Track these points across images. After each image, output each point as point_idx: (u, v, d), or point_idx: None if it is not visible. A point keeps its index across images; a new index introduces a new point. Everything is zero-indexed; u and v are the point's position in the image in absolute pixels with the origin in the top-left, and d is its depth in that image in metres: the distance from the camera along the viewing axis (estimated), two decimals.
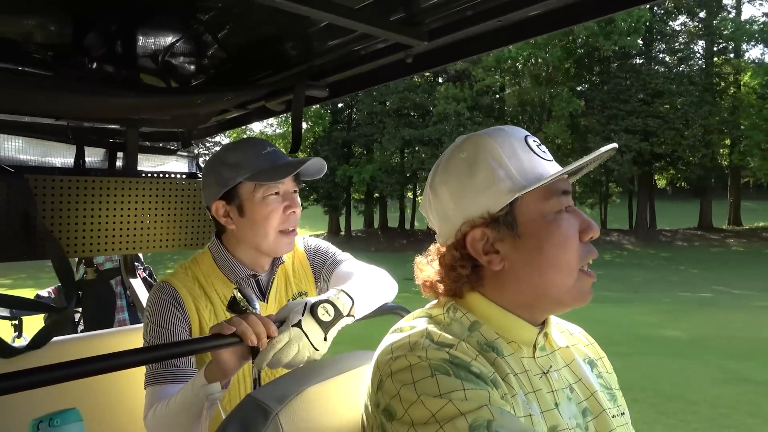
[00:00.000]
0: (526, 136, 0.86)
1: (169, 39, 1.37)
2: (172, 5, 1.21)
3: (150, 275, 3.05)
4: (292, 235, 1.39)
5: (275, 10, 1.18)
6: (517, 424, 0.68)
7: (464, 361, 0.73)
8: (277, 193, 1.34)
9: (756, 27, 22.57)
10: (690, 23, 24.17)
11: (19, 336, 2.90)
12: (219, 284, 1.38)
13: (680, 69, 24.23)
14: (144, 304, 2.07)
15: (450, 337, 0.79)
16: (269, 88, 1.52)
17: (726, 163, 25.62)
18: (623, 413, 0.90)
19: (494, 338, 0.82)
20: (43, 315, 3.25)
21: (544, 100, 20.70)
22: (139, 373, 1.30)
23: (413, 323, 0.85)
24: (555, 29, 1.03)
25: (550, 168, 0.84)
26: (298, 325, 1.03)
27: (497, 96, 21.89)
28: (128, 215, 1.80)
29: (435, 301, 0.90)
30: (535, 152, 0.84)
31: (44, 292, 3.20)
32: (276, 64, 1.51)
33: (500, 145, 0.83)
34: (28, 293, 3.62)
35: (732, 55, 24.30)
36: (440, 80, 23.79)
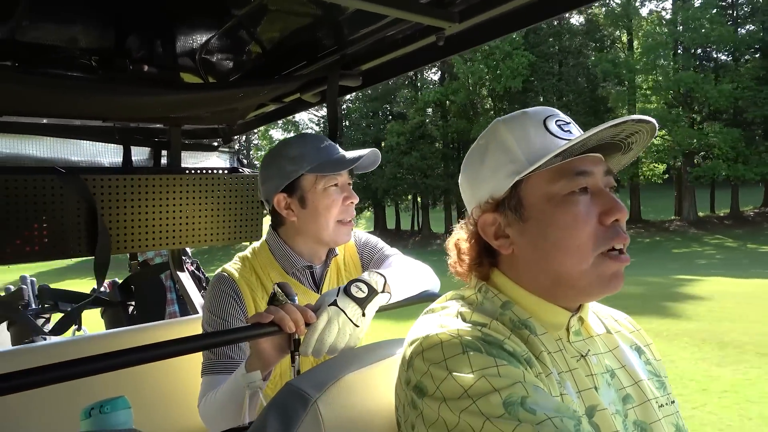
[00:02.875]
0: (547, 117, 0.82)
1: (205, 36, 1.39)
2: (206, 2, 1.23)
3: (197, 268, 3.14)
4: (350, 225, 1.42)
5: (307, 0, 1.18)
6: (552, 401, 0.66)
7: (497, 339, 0.72)
8: (336, 185, 1.38)
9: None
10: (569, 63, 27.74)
11: (79, 329, 3.06)
12: (275, 275, 1.41)
13: (557, 101, 26.42)
14: (192, 296, 2.14)
15: (482, 316, 0.78)
16: (304, 80, 1.53)
17: None
18: (673, 402, 0.86)
19: (527, 317, 0.80)
20: (99, 309, 3.42)
21: (465, 129, 26.20)
22: (185, 363, 1.35)
23: (445, 304, 0.84)
24: (586, 3, 0.98)
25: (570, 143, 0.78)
26: (334, 303, 1.05)
27: (428, 128, 27.62)
28: (174, 211, 1.86)
29: (468, 282, 0.89)
30: (551, 132, 0.80)
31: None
32: (309, 54, 1.51)
33: (511, 129, 0.81)
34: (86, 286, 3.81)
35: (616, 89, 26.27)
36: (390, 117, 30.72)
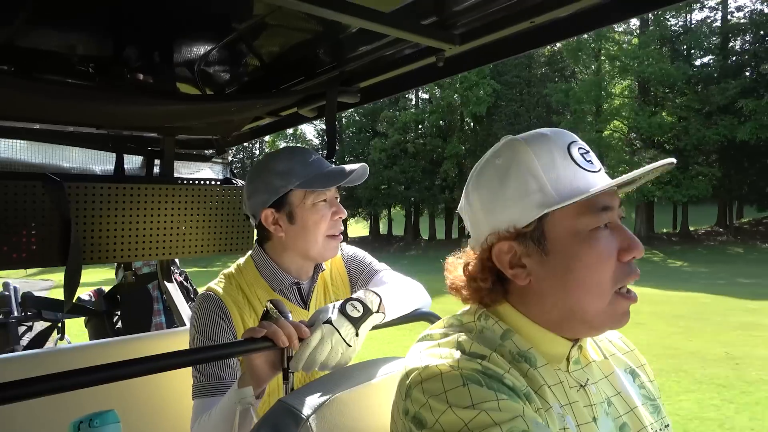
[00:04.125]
0: (570, 144, 0.80)
1: (204, 48, 1.40)
2: (206, 16, 1.24)
3: (186, 279, 3.11)
4: (338, 239, 1.42)
5: (307, 17, 1.19)
6: None
7: (497, 373, 0.71)
8: (324, 200, 1.37)
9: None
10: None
11: (62, 338, 3.00)
12: (262, 292, 1.38)
13: (517, 126, 28.67)
14: (180, 307, 2.12)
15: (482, 347, 0.76)
16: (301, 95, 1.54)
17: None
18: (667, 425, 0.86)
19: (527, 348, 0.79)
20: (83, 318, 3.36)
21: (440, 147, 30.01)
22: (175, 376, 1.32)
23: (444, 331, 0.83)
24: (587, 30, 1.01)
25: (593, 180, 0.77)
26: (329, 322, 1.04)
27: (406, 146, 30.78)
28: (165, 221, 1.84)
29: (467, 308, 0.87)
30: (576, 162, 0.78)
31: (84, 296, 3.30)
32: (308, 70, 1.52)
33: (537, 154, 0.78)
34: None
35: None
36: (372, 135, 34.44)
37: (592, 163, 0.79)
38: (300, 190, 1.34)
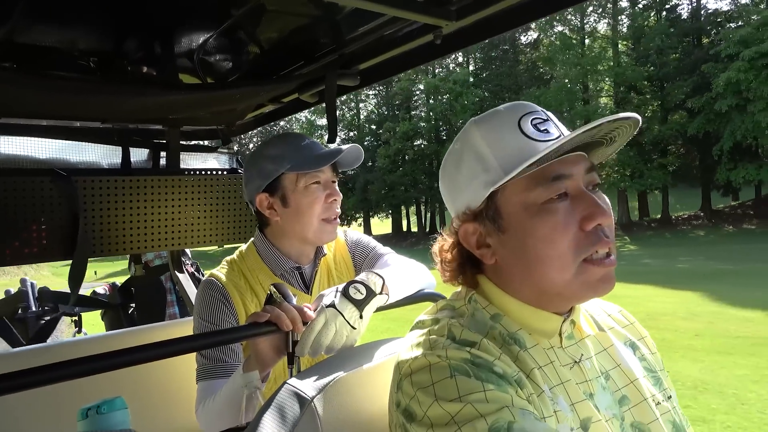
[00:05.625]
0: (523, 116, 0.77)
1: (203, 37, 1.39)
2: (203, 2, 1.23)
3: (197, 270, 3.14)
4: (335, 223, 1.41)
5: None
6: (540, 426, 0.65)
7: (486, 361, 0.70)
8: (318, 182, 1.37)
9: None
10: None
11: (79, 331, 3.06)
12: (264, 277, 1.39)
13: None
14: (192, 297, 2.14)
15: (473, 333, 0.75)
16: (302, 80, 1.53)
17: None
18: (669, 397, 0.84)
19: (515, 329, 0.78)
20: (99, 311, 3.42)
21: (436, 151, 32.88)
22: (183, 364, 1.34)
23: (436, 316, 0.82)
24: (580, 1, 0.98)
25: (543, 149, 0.71)
26: (332, 305, 1.04)
27: (407, 152, 34.72)
28: (173, 212, 1.85)
29: (458, 290, 0.87)
30: (525, 134, 0.75)
31: (100, 289, 3.36)
32: (307, 54, 1.51)
33: (484, 133, 0.77)
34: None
35: None
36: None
37: (547, 132, 0.76)
38: (292, 173, 1.36)
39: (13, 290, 3.23)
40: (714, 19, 27.82)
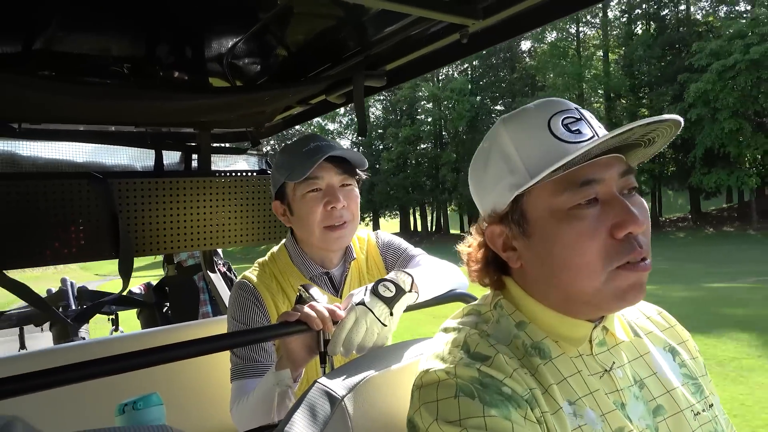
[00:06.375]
0: (554, 115, 0.72)
1: (232, 41, 1.42)
2: (232, 7, 1.25)
3: (229, 269, 3.19)
4: (340, 230, 1.36)
5: (330, 1, 1.19)
6: None
7: (495, 380, 0.68)
8: (316, 190, 1.34)
9: None
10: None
11: (116, 329, 3.14)
12: (295, 280, 1.40)
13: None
14: (224, 296, 2.18)
15: (489, 346, 0.73)
16: (329, 81, 1.54)
17: None
18: (711, 405, 0.80)
19: (542, 338, 0.75)
20: (135, 310, 3.51)
21: (436, 155, 35.10)
22: (216, 361, 1.37)
23: (461, 322, 0.81)
24: None
25: (573, 152, 0.66)
26: (362, 303, 1.04)
27: (408, 156, 36.94)
28: (205, 213, 1.89)
29: (487, 293, 0.85)
30: (554, 134, 0.71)
31: (136, 289, 3.45)
32: (334, 56, 1.52)
33: (512, 134, 0.74)
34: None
35: None
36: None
37: (579, 133, 0.71)
38: (291, 182, 1.36)
39: (54, 289, 3.35)
40: (696, 30, 28.61)
